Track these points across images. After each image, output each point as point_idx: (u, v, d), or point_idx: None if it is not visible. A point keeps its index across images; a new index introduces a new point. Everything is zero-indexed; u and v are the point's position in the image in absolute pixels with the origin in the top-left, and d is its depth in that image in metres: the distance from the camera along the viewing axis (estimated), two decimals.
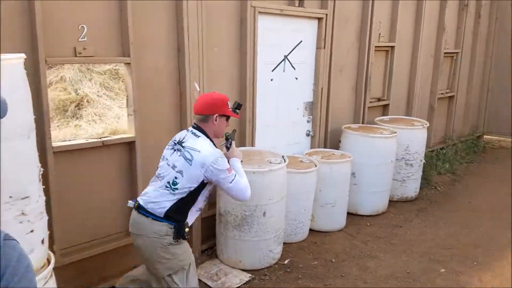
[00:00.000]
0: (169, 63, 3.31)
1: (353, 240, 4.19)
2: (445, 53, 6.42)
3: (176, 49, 3.33)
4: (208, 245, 3.79)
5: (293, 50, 4.30)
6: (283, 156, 3.74)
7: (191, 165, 2.41)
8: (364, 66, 5.15)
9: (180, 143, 2.54)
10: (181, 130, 3.41)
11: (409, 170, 5.11)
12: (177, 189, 2.42)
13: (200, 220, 3.66)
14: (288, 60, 4.28)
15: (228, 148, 2.74)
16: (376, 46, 5.24)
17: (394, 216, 4.77)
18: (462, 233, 4.29)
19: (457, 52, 6.72)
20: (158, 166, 2.58)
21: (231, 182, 2.48)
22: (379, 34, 5.31)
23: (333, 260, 3.76)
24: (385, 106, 5.71)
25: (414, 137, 5.05)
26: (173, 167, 2.46)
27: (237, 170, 2.58)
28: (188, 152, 2.46)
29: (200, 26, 3.38)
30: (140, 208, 2.46)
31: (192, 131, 2.57)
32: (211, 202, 3.72)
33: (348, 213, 4.59)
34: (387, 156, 4.73)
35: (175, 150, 2.53)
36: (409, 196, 5.21)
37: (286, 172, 3.62)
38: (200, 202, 2.55)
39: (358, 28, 5.03)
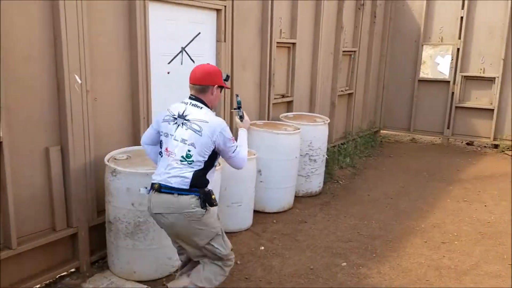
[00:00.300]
0: (43, 54, 2.89)
1: (259, 239, 4.11)
2: (343, 51, 6.68)
3: (52, 39, 2.92)
4: (99, 256, 3.42)
5: (191, 42, 4.08)
6: None
7: (201, 136, 2.49)
8: (267, 62, 5.11)
9: (182, 116, 2.55)
10: (60, 126, 3.04)
11: (313, 166, 5.19)
12: (192, 161, 2.49)
13: (87, 229, 3.28)
14: (186, 52, 4.06)
15: (241, 118, 2.92)
16: (278, 42, 5.24)
17: (299, 211, 4.80)
18: (362, 225, 4.44)
19: (354, 51, 7.05)
20: (161, 141, 2.61)
21: (233, 152, 2.62)
22: (280, 30, 5.31)
23: (238, 262, 3.62)
24: (289, 103, 5.76)
25: (317, 133, 5.14)
26: (183, 141, 2.50)
27: (244, 141, 2.79)
28: (196, 124, 2.51)
29: (80, 14, 3.00)
30: (162, 188, 2.49)
31: (192, 103, 2.59)
32: (101, 209, 3.36)
33: (255, 211, 4.51)
34: (292, 153, 4.73)
35: (178, 125, 2.55)
36: (313, 191, 5.29)
37: None
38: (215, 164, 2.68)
39: (259, 22, 4.97)
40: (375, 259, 3.73)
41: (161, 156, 2.59)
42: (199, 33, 4.15)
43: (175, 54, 3.97)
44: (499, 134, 7.38)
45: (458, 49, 7.52)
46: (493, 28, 7.19)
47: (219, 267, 2.67)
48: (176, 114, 2.57)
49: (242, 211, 4.25)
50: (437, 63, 13.28)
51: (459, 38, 7.47)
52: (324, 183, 5.52)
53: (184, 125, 2.53)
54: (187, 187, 2.47)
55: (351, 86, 7.23)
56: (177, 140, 2.52)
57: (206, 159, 2.52)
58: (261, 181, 4.63)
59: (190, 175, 2.47)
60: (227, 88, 2.82)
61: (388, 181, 5.92)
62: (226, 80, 2.73)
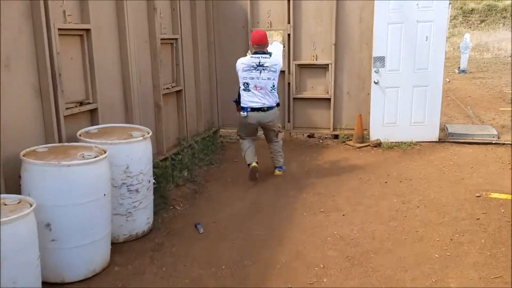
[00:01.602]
0: None
1: None
2: (162, 39, 5.43)
3: None
4: None
5: None
6: None
7: (276, 73, 5.05)
8: (47, 57, 3.53)
9: (261, 65, 4.98)
10: None
11: (136, 198, 3.84)
12: (275, 87, 5.09)
13: None
14: None
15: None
16: (61, 29, 3.69)
17: (120, 270, 3.42)
18: (209, 277, 3.32)
19: (176, 38, 5.85)
20: (248, 83, 5.05)
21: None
22: (64, 11, 3.76)
23: None
24: (93, 112, 4.25)
25: (135, 152, 3.79)
26: (268, 79, 4.99)
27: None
28: (273, 67, 5.02)
29: None
30: (268, 108, 5.10)
31: (262, 56, 5.03)
32: None
33: (47, 285, 3.01)
34: (97, 189, 3.30)
35: (261, 71, 4.98)
36: (140, 231, 3.96)
37: None
38: None
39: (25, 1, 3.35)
40: None
41: (249, 91, 5.06)
42: None
43: None
44: (338, 124, 7.17)
45: (289, 35, 7.00)
46: (321, 10, 6.84)
47: (280, 146, 5.57)
48: (255, 65, 4.99)
49: None
50: None
51: (289, 22, 6.95)
52: (156, 213, 4.26)
53: (265, 70, 4.98)
54: (275, 105, 5.18)
55: (179, 82, 6.04)
56: (264, 79, 4.99)
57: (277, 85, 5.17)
58: (53, 240, 3.12)
59: (275, 97, 5.15)
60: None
61: (236, 196, 4.97)
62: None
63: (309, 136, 7.57)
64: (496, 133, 6.71)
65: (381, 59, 6.51)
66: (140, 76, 5.05)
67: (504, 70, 15.31)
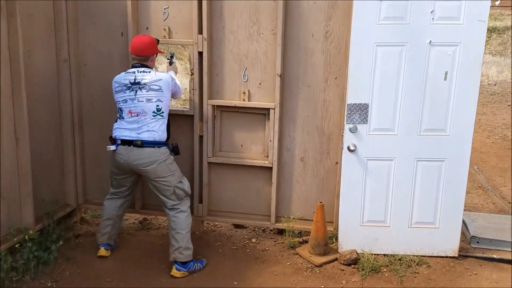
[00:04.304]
0: None
1: None
2: None
3: None
4: None
5: None
6: None
7: (163, 91, 3.53)
8: None
9: (137, 83, 3.49)
10: None
11: None
12: (163, 112, 3.55)
13: None
14: None
15: (171, 63, 3.99)
16: None
17: None
18: None
19: None
20: (121, 108, 3.55)
21: (177, 84, 3.76)
22: None
23: None
24: None
25: None
26: (148, 100, 3.49)
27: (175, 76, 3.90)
28: (155, 85, 3.50)
29: None
30: (144, 143, 3.48)
31: (139, 70, 3.53)
32: None
33: None
34: None
35: (136, 90, 3.49)
36: None
37: None
38: None
39: None
40: None
41: (123, 120, 3.55)
42: None
43: None
44: (285, 211, 4.35)
45: (201, 53, 4.13)
46: (258, 14, 4.04)
47: (185, 213, 3.70)
48: (128, 83, 3.51)
49: None
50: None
51: (200, 32, 4.07)
52: None
53: (143, 89, 3.49)
54: (163, 141, 3.58)
55: None
56: (141, 101, 3.49)
57: (168, 108, 3.61)
58: None
59: (164, 127, 3.58)
60: (163, 52, 3.82)
61: None
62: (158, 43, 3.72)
63: (236, 226, 4.70)
64: None
65: (362, 109, 3.77)
66: None
67: (494, 103, 13.26)
